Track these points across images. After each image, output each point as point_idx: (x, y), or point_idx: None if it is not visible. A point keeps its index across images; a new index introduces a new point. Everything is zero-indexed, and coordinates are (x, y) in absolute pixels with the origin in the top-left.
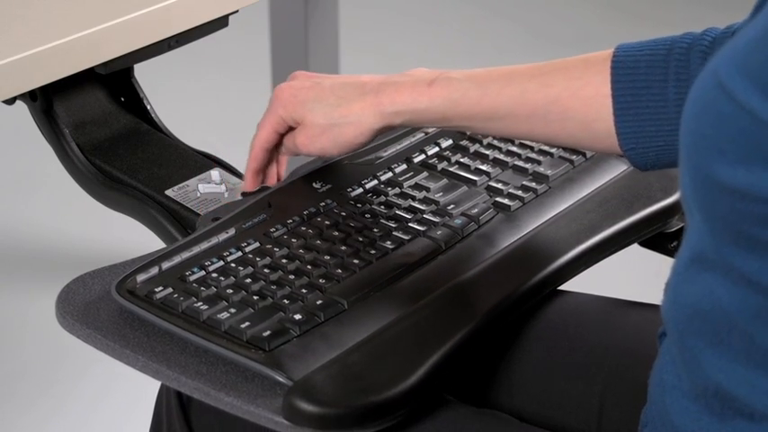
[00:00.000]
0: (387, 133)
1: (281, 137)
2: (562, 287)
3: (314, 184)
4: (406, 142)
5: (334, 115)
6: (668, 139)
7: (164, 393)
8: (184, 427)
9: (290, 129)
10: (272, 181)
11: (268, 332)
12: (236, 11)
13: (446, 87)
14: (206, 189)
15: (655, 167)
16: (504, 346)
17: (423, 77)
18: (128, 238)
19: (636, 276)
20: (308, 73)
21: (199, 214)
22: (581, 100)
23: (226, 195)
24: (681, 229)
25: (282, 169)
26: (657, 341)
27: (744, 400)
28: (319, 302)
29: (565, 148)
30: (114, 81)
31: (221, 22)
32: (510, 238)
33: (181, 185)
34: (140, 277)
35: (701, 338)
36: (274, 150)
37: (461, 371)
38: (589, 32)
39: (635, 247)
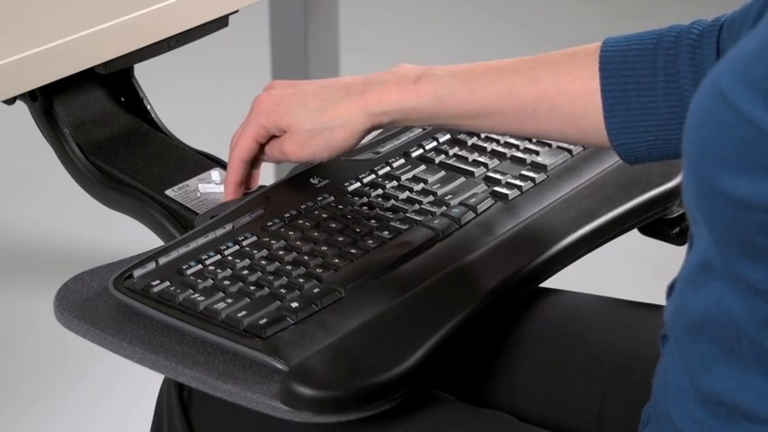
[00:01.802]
0: (385, 130)
1: (261, 146)
2: (562, 286)
3: (311, 180)
4: (403, 138)
5: (322, 119)
6: (658, 133)
7: (164, 393)
8: (185, 425)
9: (271, 137)
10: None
11: (265, 320)
12: (236, 11)
13: (432, 84)
14: (206, 189)
15: (645, 161)
16: (504, 346)
17: (407, 75)
18: (128, 237)
19: (635, 276)
20: (286, 81)
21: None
22: (569, 96)
23: None
24: (682, 216)
25: (259, 177)
26: (660, 342)
27: (750, 405)
28: (316, 291)
29: None
30: (114, 81)
31: (221, 22)
32: (508, 225)
33: (181, 185)
34: (137, 272)
35: (710, 345)
36: (253, 160)
37: (462, 370)
38: (589, 33)
39: (635, 246)
